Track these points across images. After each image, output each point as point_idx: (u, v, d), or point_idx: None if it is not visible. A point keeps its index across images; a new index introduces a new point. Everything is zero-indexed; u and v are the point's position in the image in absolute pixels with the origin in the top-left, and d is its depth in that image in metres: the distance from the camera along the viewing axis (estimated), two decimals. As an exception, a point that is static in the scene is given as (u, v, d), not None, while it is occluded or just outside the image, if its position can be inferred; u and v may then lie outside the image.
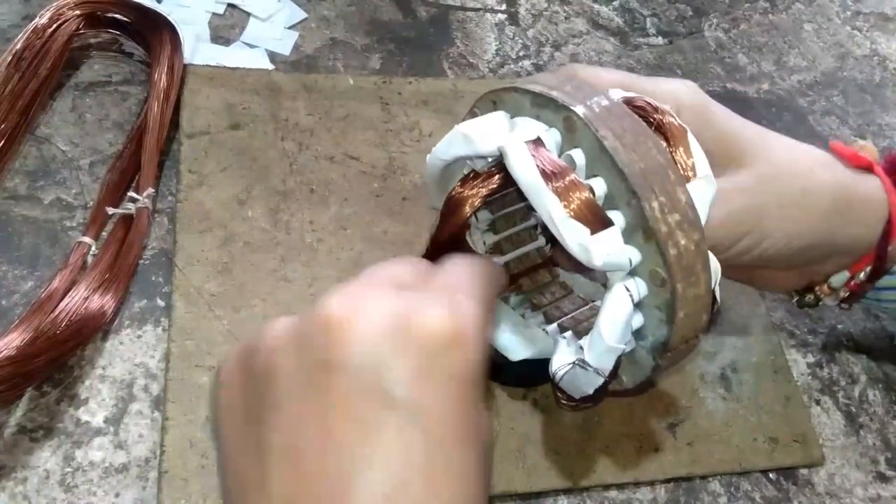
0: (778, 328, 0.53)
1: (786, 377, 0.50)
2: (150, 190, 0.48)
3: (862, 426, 0.50)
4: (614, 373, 0.35)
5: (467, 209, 0.34)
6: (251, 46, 0.59)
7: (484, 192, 0.34)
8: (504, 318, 0.41)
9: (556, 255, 0.44)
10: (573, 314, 0.41)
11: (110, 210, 0.47)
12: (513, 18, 0.67)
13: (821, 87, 0.69)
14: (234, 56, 0.58)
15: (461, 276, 0.29)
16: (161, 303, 0.45)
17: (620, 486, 0.45)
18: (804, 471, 0.48)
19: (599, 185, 0.31)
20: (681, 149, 0.34)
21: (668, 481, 0.45)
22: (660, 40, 0.68)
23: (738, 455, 0.46)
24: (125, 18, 0.55)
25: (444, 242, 0.36)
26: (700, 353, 0.49)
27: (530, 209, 0.43)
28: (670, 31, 0.70)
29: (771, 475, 0.47)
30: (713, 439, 0.47)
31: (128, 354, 0.43)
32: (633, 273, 0.32)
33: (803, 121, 0.66)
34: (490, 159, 0.34)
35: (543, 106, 0.33)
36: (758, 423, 0.48)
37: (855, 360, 0.53)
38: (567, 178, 0.31)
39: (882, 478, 0.49)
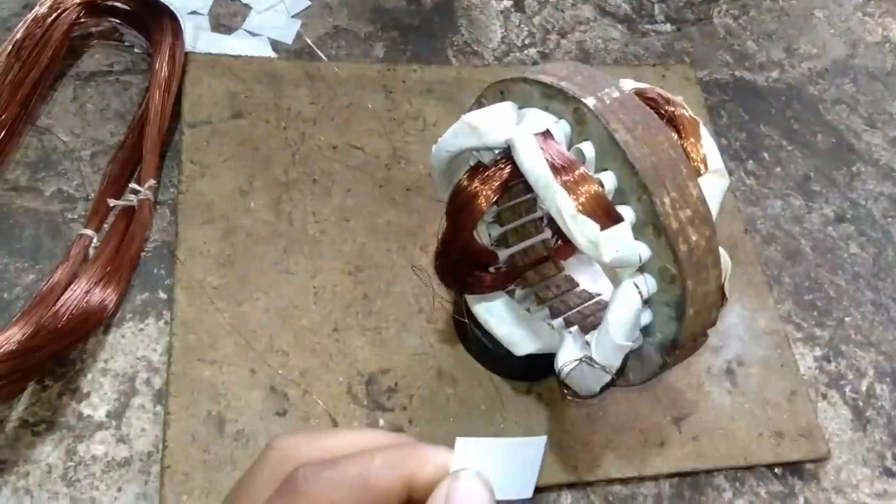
0: (785, 321, 0.52)
1: (792, 371, 0.49)
2: (152, 181, 0.47)
3: (869, 421, 0.50)
4: (621, 370, 0.34)
5: (483, 203, 0.33)
6: (253, 35, 0.58)
7: (496, 186, 0.33)
8: (509, 312, 0.41)
9: (561, 249, 0.43)
10: (579, 308, 0.40)
11: (112, 202, 0.46)
12: (518, 5, 0.66)
13: (831, 74, 0.67)
14: (235, 45, 0.57)
15: None
16: (163, 296, 0.45)
17: (624, 481, 0.44)
18: (810, 466, 0.47)
19: (609, 179, 0.31)
20: (692, 141, 0.33)
21: (672, 476, 0.45)
22: (668, 27, 0.67)
23: (743, 449, 0.46)
24: (125, 7, 0.54)
25: (456, 239, 0.35)
26: (706, 346, 0.48)
27: (536, 201, 0.42)
28: (679, 17, 0.68)
29: (776, 470, 0.47)
30: (718, 433, 0.46)
31: (130, 348, 0.43)
32: (642, 269, 0.31)
33: (813, 109, 0.64)
34: (497, 151, 0.33)
35: (553, 97, 0.32)
36: (763, 417, 0.47)
37: (863, 353, 0.52)
38: (576, 172, 0.30)
39: (889, 473, 0.48)
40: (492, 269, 0.40)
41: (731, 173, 0.59)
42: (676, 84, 0.61)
